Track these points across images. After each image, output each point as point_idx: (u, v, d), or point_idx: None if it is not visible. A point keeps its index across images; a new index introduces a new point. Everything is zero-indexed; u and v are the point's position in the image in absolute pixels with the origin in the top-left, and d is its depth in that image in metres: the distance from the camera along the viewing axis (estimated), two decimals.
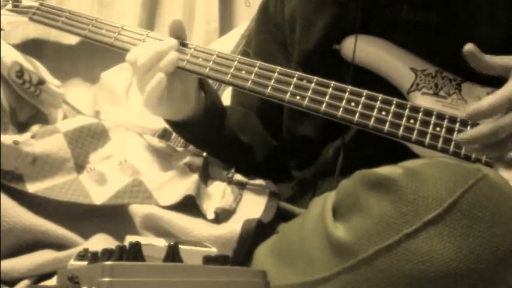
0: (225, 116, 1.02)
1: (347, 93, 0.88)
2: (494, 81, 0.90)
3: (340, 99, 0.88)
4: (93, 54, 2.10)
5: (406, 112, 0.86)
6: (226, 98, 1.23)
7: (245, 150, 1.04)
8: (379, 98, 0.88)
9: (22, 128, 1.13)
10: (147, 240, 0.70)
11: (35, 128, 1.04)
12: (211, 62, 0.94)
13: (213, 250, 0.70)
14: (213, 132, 1.00)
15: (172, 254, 0.60)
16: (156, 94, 0.90)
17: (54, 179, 0.92)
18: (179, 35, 0.96)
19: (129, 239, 0.71)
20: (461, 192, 0.63)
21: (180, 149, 1.06)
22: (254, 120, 1.08)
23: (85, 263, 0.62)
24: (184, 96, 0.95)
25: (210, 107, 0.99)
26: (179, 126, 0.99)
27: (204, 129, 0.99)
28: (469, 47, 0.78)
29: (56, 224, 0.87)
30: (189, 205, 0.89)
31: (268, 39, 1.10)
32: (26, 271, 0.82)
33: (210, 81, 1.00)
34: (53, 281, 0.79)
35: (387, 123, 0.86)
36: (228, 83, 0.93)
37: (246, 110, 1.08)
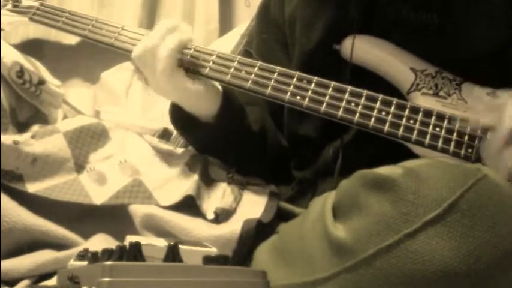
0: (243, 112, 1.01)
1: (347, 94, 0.88)
2: (494, 82, 0.90)
3: (340, 99, 0.88)
4: (93, 54, 2.10)
5: (406, 112, 0.86)
6: None
7: (259, 148, 1.03)
8: (379, 98, 0.88)
9: (22, 128, 1.13)
10: (147, 240, 0.69)
11: (35, 128, 1.04)
12: (211, 62, 0.94)
13: (213, 250, 0.70)
14: (233, 128, 0.99)
15: (172, 254, 0.60)
16: (170, 63, 0.90)
17: (54, 179, 0.92)
18: None
19: (129, 239, 0.70)
20: (461, 192, 0.63)
21: (180, 149, 1.06)
22: (268, 119, 1.08)
23: (85, 263, 0.62)
24: (207, 88, 0.95)
25: (229, 100, 0.97)
26: (201, 127, 0.98)
27: (225, 124, 0.97)
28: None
29: (56, 224, 0.87)
30: (189, 205, 0.89)
31: (270, 39, 1.10)
32: (26, 271, 0.82)
33: None
34: (53, 281, 0.79)
35: (387, 124, 0.86)
36: (228, 83, 0.93)
37: (260, 109, 1.07)
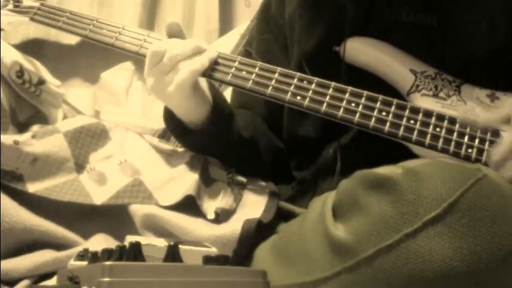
0: (233, 118, 1.01)
1: (347, 94, 0.88)
2: (494, 83, 0.90)
3: (341, 99, 0.88)
4: (93, 54, 2.10)
5: (406, 113, 0.86)
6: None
7: (252, 153, 1.03)
8: (379, 99, 0.88)
9: (22, 128, 1.13)
10: (147, 240, 0.70)
11: (35, 128, 1.04)
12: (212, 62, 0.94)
13: (213, 250, 0.70)
14: (222, 135, 0.98)
15: (172, 254, 0.60)
16: (191, 80, 0.89)
17: (54, 179, 0.92)
18: (178, 37, 0.96)
19: (129, 239, 0.71)
20: (461, 192, 0.63)
21: (180, 149, 1.06)
22: (261, 123, 1.08)
23: (85, 263, 0.62)
24: (199, 94, 0.94)
25: (218, 107, 0.97)
26: (191, 133, 0.97)
27: (214, 131, 0.97)
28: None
29: (56, 224, 0.87)
30: (189, 205, 0.89)
31: (270, 39, 1.10)
32: (26, 271, 0.82)
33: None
34: (53, 281, 0.79)
35: (387, 124, 0.86)
36: (229, 83, 0.93)
37: (252, 113, 1.07)
